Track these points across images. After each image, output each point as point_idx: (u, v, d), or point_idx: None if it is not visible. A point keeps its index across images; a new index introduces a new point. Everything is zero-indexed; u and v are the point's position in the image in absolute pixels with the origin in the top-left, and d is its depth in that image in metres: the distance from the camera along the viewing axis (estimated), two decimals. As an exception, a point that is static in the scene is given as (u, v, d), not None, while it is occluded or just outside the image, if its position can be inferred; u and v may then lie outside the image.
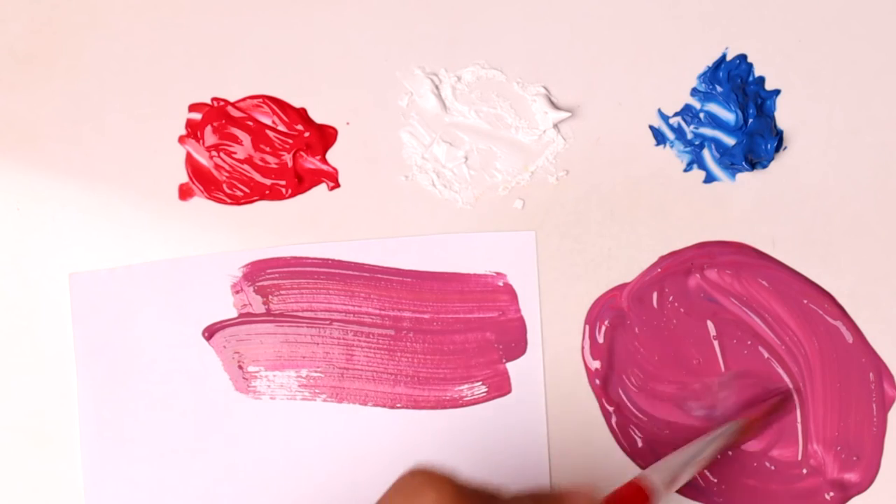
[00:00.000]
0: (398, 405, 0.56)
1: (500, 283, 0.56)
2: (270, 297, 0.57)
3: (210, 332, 0.57)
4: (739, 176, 0.56)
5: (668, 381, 0.56)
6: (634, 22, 0.57)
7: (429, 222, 0.57)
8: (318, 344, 0.56)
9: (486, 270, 0.56)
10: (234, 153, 0.57)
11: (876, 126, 0.56)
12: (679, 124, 0.57)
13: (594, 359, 0.56)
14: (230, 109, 0.57)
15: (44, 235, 0.57)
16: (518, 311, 0.56)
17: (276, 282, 0.57)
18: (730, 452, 0.55)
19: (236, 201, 0.57)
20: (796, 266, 0.56)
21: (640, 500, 0.48)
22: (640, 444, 0.56)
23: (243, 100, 0.58)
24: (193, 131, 0.58)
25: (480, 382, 0.56)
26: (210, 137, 0.57)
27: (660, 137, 0.57)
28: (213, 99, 0.58)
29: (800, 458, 0.55)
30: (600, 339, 0.56)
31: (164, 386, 0.56)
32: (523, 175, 0.57)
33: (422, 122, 0.57)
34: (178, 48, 0.58)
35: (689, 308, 0.56)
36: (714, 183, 0.56)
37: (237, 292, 0.57)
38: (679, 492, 0.55)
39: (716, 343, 0.56)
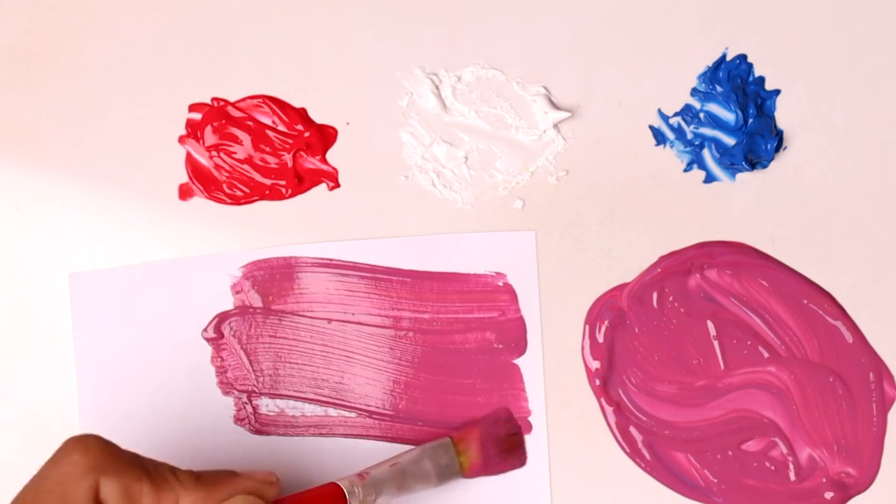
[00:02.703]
0: (399, 404, 0.56)
1: (500, 283, 0.56)
2: (270, 296, 0.57)
3: (210, 332, 0.57)
4: (739, 176, 0.56)
5: (668, 381, 0.56)
6: (634, 22, 0.57)
7: (429, 222, 0.57)
8: (318, 344, 0.56)
9: (486, 270, 0.56)
10: (234, 153, 0.57)
11: (876, 126, 0.56)
12: (679, 124, 0.57)
13: (594, 359, 0.56)
14: (230, 109, 0.57)
15: (44, 235, 0.57)
16: (518, 311, 0.56)
17: (276, 282, 0.57)
18: (730, 452, 0.55)
19: (236, 201, 0.57)
20: (796, 266, 0.56)
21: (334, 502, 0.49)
22: (640, 444, 0.56)
23: (243, 100, 0.58)
24: (193, 131, 0.58)
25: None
26: (210, 137, 0.57)
27: (660, 137, 0.57)
28: (213, 99, 0.58)
29: (800, 457, 0.55)
30: (600, 339, 0.56)
31: (163, 386, 0.56)
32: (523, 175, 0.57)
33: (422, 122, 0.57)
34: (178, 48, 0.58)
35: (689, 308, 0.56)
36: (714, 183, 0.56)
37: (237, 292, 0.57)
38: (679, 492, 0.55)
39: (716, 343, 0.56)
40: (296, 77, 0.57)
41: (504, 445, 0.54)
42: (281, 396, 0.57)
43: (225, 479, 0.47)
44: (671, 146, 0.57)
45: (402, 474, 0.51)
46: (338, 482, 0.50)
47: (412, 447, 0.53)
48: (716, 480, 0.55)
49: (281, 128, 0.57)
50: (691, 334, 0.56)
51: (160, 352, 0.56)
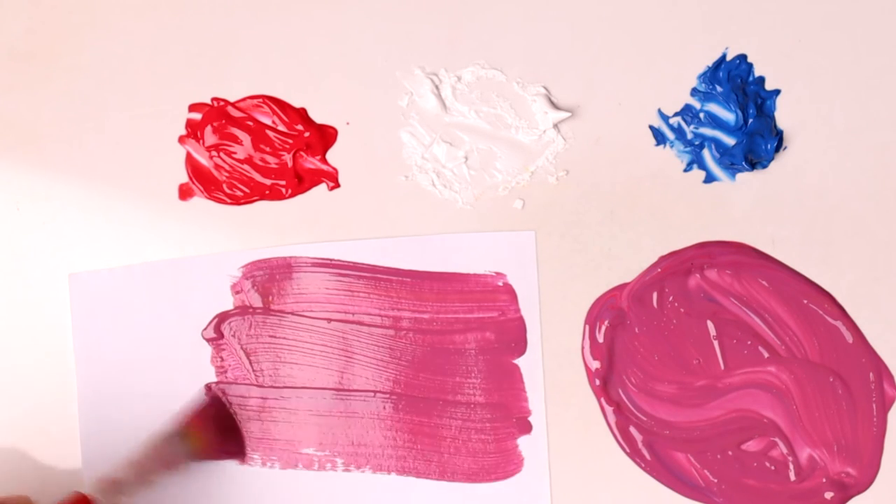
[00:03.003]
0: (399, 404, 0.56)
1: (500, 283, 0.56)
2: (270, 296, 0.57)
3: (210, 332, 0.57)
4: (739, 176, 0.56)
5: (668, 381, 0.56)
6: (634, 22, 0.57)
7: (429, 222, 0.57)
8: (317, 343, 0.56)
9: (485, 270, 0.56)
10: (234, 153, 0.57)
11: (876, 126, 0.56)
12: (679, 124, 0.57)
13: (594, 359, 0.56)
14: (230, 109, 0.57)
15: (44, 235, 0.57)
16: (518, 311, 0.56)
17: (275, 282, 0.57)
18: (730, 452, 0.55)
19: (236, 201, 0.57)
20: (796, 266, 0.56)
21: None
22: (640, 444, 0.56)
23: (243, 100, 0.58)
24: (193, 131, 0.58)
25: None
26: (210, 137, 0.57)
27: (660, 137, 0.57)
28: (213, 99, 0.58)
29: (800, 457, 0.55)
30: (600, 339, 0.56)
31: (163, 386, 0.56)
32: (523, 175, 0.57)
33: (422, 122, 0.57)
34: (178, 48, 0.58)
35: (689, 308, 0.56)
36: (714, 183, 0.56)
37: (237, 292, 0.57)
38: (679, 492, 0.55)
39: (716, 343, 0.56)
40: (296, 77, 0.57)
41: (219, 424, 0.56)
42: (281, 396, 0.56)
43: None
44: (671, 146, 0.57)
45: (140, 468, 0.53)
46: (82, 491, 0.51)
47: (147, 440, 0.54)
48: (716, 480, 0.55)
49: (281, 128, 0.57)
50: (691, 334, 0.56)
51: (160, 352, 0.56)
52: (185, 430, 0.54)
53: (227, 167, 0.57)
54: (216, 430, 0.55)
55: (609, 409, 0.56)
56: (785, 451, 0.55)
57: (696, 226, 0.56)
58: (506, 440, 0.56)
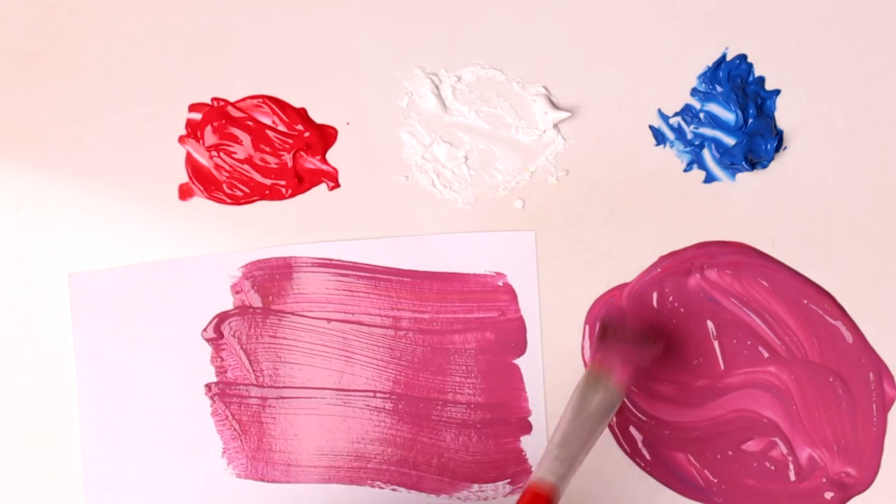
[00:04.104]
0: (399, 404, 0.56)
1: (500, 283, 0.56)
2: (270, 297, 0.57)
3: (210, 332, 0.57)
4: (739, 176, 0.56)
5: (667, 381, 0.56)
6: (634, 22, 0.57)
7: (429, 222, 0.57)
8: (317, 343, 0.56)
9: (485, 270, 0.56)
10: (234, 153, 0.57)
11: (876, 126, 0.56)
12: (679, 124, 0.57)
13: (594, 359, 0.56)
14: (230, 109, 0.57)
15: (44, 235, 0.57)
16: (518, 311, 0.56)
17: (275, 282, 0.57)
18: (730, 452, 0.55)
19: (236, 201, 0.57)
20: (796, 266, 0.56)
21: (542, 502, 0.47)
22: (640, 444, 0.56)
23: (243, 100, 0.58)
24: (193, 131, 0.58)
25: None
26: (210, 137, 0.57)
27: (660, 137, 0.57)
28: (213, 99, 0.58)
29: (800, 457, 0.55)
30: (600, 339, 0.56)
31: (163, 386, 0.56)
32: (523, 175, 0.57)
33: (422, 122, 0.57)
34: (178, 48, 0.58)
35: (689, 308, 0.56)
36: (714, 183, 0.56)
37: (237, 292, 0.57)
38: (679, 492, 0.55)
39: (716, 343, 0.56)
40: (296, 77, 0.57)
41: (624, 338, 0.52)
42: (281, 396, 0.57)
43: None
44: (671, 146, 0.57)
45: (581, 442, 0.49)
46: (541, 481, 0.48)
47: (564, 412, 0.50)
48: (716, 480, 0.55)
49: (281, 128, 0.57)
50: (691, 334, 0.56)
51: (160, 352, 0.56)
52: (598, 367, 0.50)
53: (227, 167, 0.57)
54: (622, 347, 0.51)
55: (609, 409, 0.56)
56: (785, 451, 0.55)
57: (696, 226, 0.56)
58: (506, 440, 0.56)
